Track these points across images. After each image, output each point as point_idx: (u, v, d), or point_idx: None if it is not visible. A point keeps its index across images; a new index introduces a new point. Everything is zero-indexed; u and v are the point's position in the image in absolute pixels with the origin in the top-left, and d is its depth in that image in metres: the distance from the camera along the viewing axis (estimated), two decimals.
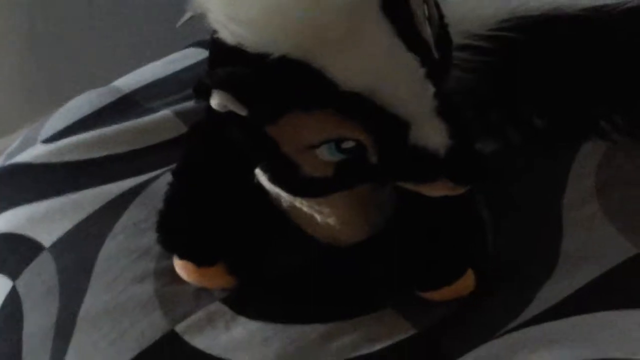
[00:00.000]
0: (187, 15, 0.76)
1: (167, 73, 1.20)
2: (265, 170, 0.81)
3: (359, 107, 0.71)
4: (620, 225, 0.95)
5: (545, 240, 0.95)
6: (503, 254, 0.93)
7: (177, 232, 0.91)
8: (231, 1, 0.71)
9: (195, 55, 1.22)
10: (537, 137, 1.04)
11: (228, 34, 0.71)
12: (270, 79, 0.70)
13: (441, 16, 0.82)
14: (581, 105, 1.05)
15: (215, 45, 0.74)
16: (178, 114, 1.11)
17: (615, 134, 1.03)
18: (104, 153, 1.07)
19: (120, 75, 1.25)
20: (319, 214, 0.87)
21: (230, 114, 0.71)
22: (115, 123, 1.11)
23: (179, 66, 1.21)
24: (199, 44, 1.24)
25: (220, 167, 0.87)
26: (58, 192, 1.04)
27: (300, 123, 0.72)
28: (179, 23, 0.78)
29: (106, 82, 1.41)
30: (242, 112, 0.70)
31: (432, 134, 0.74)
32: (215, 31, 0.73)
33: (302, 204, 0.87)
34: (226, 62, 0.72)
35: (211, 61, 0.77)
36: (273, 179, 0.81)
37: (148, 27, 1.90)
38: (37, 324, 0.93)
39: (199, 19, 0.73)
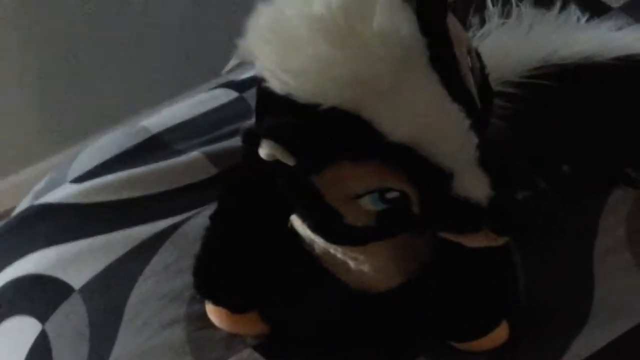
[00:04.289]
0: (234, 62, 0.77)
1: (195, 114, 1.20)
2: (305, 219, 0.81)
3: (404, 158, 0.71)
4: None
5: (577, 291, 0.94)
6: (534, 304, 0.93)
7: (212, 277, 0.91)
8: (282, 51, 0.71)
9: (224, 96, 1.22)
10: (566, 185, 1.04)
11: (277, 83, 0.71)
12: (318, 129, 0.70)
13: (483, 67, 0.82)
14: (609, 153, 1.05)
15: (262, 94, 0.74)
16: (208, 156, 1.11)
17: None
18: (133, 195, 1.07)
19: (140, 112, 1.25)
20: (353, 261, 0.86)
21: (275, 163, 0.71)
22: (145, 164, 1.11)
23: (207, 107, 1.21)
24: (228, 85, 1.24)
25: (256, 212, 0.86)
26: (88, 233, 1.04)
27: (346, 173, 0.72)
28: (225, 70, 0.78)
29: (122, 118, 1.42)
30: (290, 161, 0.70)
31: (475, 185, 0.74)
32: (263, 79, 0.73)
33: (336, 251, 0.86)
34: (274, 111, 0.72)
35: (259, 109, 0.77)
36: (314, 228, 0.81)
37: (169, 65, 1.91)
38: None
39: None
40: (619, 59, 1.03)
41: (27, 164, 1.90)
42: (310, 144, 0.70)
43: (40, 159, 1.89)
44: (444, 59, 0.73)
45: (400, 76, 0.70)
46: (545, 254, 0.97)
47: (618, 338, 0.89)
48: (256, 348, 0.91)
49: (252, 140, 0.70)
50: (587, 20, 1.10)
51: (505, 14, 1.08)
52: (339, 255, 0.86)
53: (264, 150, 0.70)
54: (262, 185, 0.81)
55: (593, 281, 0.95)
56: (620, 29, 1.10)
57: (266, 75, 0.72)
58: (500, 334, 0.89)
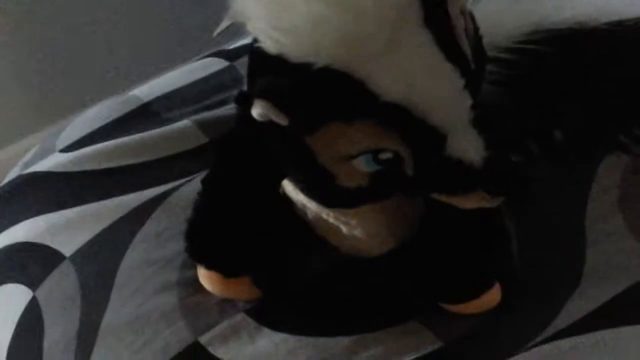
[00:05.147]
0: (226, 23, 0.76)
1: (186, 82, 1.20)
2: (298, 182, 0.81)
3: (398, 118, 0.71)
4: None
5: (569, 254, 0.94)
6: (527, 267, 0.93)
7: (205, 242, 0.90)
8: (275, 10, 0.70)
9: (214, 65, 1.22)
10: (558, 150, 1.04)
11: (270, 43, 0.71)
12: (312, 89, 0.69)
13: (476, 29, 0.82)
14: (601, 118, 1.05)
15: (255, 54, 0.74)
16: (198, 124, 1.10)
17: (636, 147, 1.04)
18: (124, 162, 1.07)
19: (130, 83, 1.24)
20: (345, 226, 0.86)
21: (268, 124, 0.71)
22: (135, 132, 1.11)
23: (198, 76, 1.20)
24: (218, 54, 1.24)
25: (248, 177, 0.86)
26: (78, 201, 1.03)
27: (339, 133, 0.72)
28: (217, 31, 0.78)
29: (113, 92, 1.41)
30: (283, 121, 0.70)
31: (469, 146, 0.74)
32: (255, 40, 0.72)
33: (328, 215, 0.86)
34: (267, 71, 0.71)
35: (251, 70, 0.76)
36: (307, 190, 0.81)
37: (161, 37, 1.90)
38: (58, 335, 0.93)
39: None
40: (611, 23, 1.03)
41: (14, 139, 1.89)
42: (304, 103, 0.70)
43: (28, 134, 1.88)
44: (438, 18, 0.73)
45: (393, 35, 0.70)
46: (538, 219, 0.97)
47: (610, 300, 0.89)
48: (248, 312, 0.91)
49: (245, 101, 0.70)
50: None
51: None
52: (331, 219, 0.86)
53: (257, 110, 0.69)
54: (255, 150, 0.80)
55: (585, 245, 0.95)
56: None
57: (258, 35, 0.72)
58: (492, 296, 0.89)
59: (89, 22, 1.83)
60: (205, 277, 0.92)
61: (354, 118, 0.71)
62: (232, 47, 1.27)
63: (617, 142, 1.04)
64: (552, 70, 1.03)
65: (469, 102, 0.74)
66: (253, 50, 0.74)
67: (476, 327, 0.89)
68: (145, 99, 1.17)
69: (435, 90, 0.71)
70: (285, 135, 0.73)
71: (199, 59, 1.26)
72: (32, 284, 0.97)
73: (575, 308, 0.89)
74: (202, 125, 1.10)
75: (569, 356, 0.85)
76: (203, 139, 1.09)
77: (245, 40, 1.18)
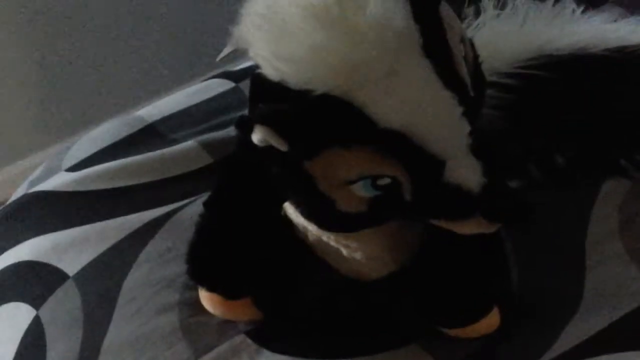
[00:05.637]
0: (228, 49, 0.77)
1: (190, 104, 1.20)
2: (298, 205, 0.82)
3: (397, 145, 0.72)
4: None
5: (568, 279, 0.95)
6: (527, 291, 0.93)
7: (206, 264, 0.91)
8: (276, 38, 0.71)
9: (219, 86, 1.23)
10: (559, 175, 1.05)
11: (271, 70, 0.72)
12: (311, 115, 0.70)
13: (476, 56, 0.83)
14: (602, 143, 1.06)
15: (256, 80, 0.75)
16: (203, 145, 1.11)
17: (636, 172, 1.04)
18: (128, 183, 1.08)
19: (137, 102, 1.25)
20: (345, 248, 0.87)
21: (268, 149, 0.72)
22: (140, 153, 1.11)
23: (203, 97, 1.21)
24: (223, 75, 1.24)
25: (250, 200, 0.87)
26: (82, 221, 1.04)
27: (338, 159, 0.72)
28: (219, 57, 0.79)
29: (120, 111, 1.43)
30: (283, 147, 0.70)
31: (467, 172, 0.75)
32: (257, 66, 0.73)
33: (329, 238, 0.87)
34: (268, 97, 0.72)
35: (252, 95, 0.77)
36: (306, 214, 0.81)
37: (167, 58, 1.91)
38: (60, 354, 0.93)
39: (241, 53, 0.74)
40: (612, 50, 1.03)
41: (23, 155, 1.90)
42: (303, 129, 0.71)
43: (36, 151, 1.89)
44: (437, 46, 0.73)
45: (393, 63, 0.71)
46: (538, 243, 0.98)
47: (609, 326, 0.90)
48: (249, 334, 0.91)
49: (245, 126, 0.71)
50: (582, 13, 1.10)
51: (500, 6, 1.09)
52: (332, 242, 0.87)
53: (257, 136, 0.70)
54: (256, 173, 0.81)
55: (585, 270, 0.95)
56: (614, 21, 1.10)
57: (260, 61, 0.73)
58: (491, 321, 0.90)
59: (98, 41, 1.84)
60: (206, 298, 0.92)
61: (353, 144, 0.72)
62: (237, 68, 1.28)
63: (617, 167, 1.05)
64: (552, 95, 1.03)
65: (467, 129, 0.75)
66: (254, 76, 0.75)
67: (475, 351, 0.89)
68: (150, 120, 1.18)
69: (434, 117, 0.72)
70: (284, 161, 0.74)
71: (204, 80, 1.27)
72: (36, 303, 0.98)
73: (575, 333, 0.90)
74: (207, 146, 1.11)
75: None
76: (208, 160, 1.10)
77: (251, 62, 1.19)
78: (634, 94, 1.05)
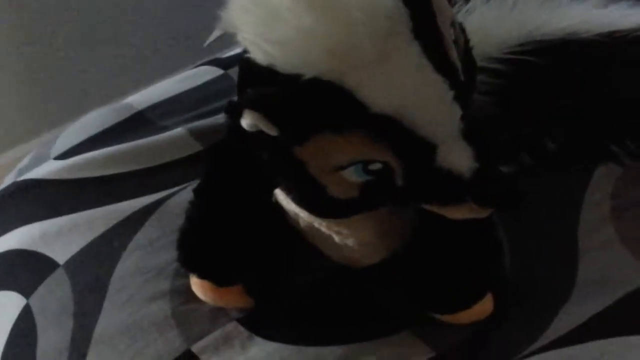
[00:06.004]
0: (216, 33, 0.76)
1: (180, 90, 1.20)
2: (289, 192, 0.81)
3: (388, 129, 0.71)
4: (636, 250, 0.95)
5: (561, 265, 0.95)
6: (519, 278, 0.93)
7: (197, 251, 0.91)
8: (265, 22, 0.71)
9: (208, 73, 1.23)
10: (551, 161, 1.05)
11: (260, 54, 0.71)
12: (301, 100, 0.70)
13: (467, 40, 0.82)
14: (592, 129, 1.06)
15: (244, 65, 0.74)
16: (192, 132, 1.11)
17: (627, 158, 1.04)
18: (117, 170, 1.07)
19: (124, 91, 1.25)
20: (337, 235, 0.87)
21: (258, 135, 0.71)
22: (129, 140, 1.11)
23: (192, 84, 1.21)
24: (212, 62, 1.24)
25: (240, 186, 0.87)
26: (71, 209, 1.04)
27: (329, 144, 0.72)
28: (208, 41, 0.78)
29: (108, 100, 1.42)
30: (273, 132, 0.70)
31: (458, 157, 0.74)
32: (245, 50, 0.73)
33: (320, 225, 0.86)
34: (257, 82, 0.72)
35: (241, 81, 0.77)
36: (298, 200, 0.81)
37: (156, 46, 1.91)
38: (51, 343, 0.93)
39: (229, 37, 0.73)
40: (602, 35, 1.03)
41: (11, 145, 1.89)
42: (293, 114, 0.70)
43: (25, 140, 1.89)
44: (427, 30, 0.73)
45: (383, 47, 0.70)
46: (531, 230, 0.98)
47: (602, 311, 0.90)
48: (241, 321, 0.91)
49: (234, 111, 0.70)
50: None
51: None
52: (324, 229, 0.86)
53: (247, 121, 0.70)
54: (245, 160, 0.81)
55: (577, 256, 0.95)
56: (603, 6, 1.10)
57: (248, 45, 0.72)
58: (484, 307, 0.89)
59: (87, 30, 1.83)
60: (197, 285, 0.92)
61: (344, 129, 0.71)
62: (226, 55, 1.27)
63: (608, 153, 1.05)
64: (542, 81, 1.03)
65: (458, 113, 0.74)
66: (243, 61, 0.74)
67: (468, 337, 0.89)
68: (139, 107, 1.17)
69: (425, 101, 0.72)
70: (275, 146, 0.73)
71: (193, 68, 1.26)
72: (26, 292, 0.98)
73: (567, 319, 0.90)
74: (196, 133, 1.11)
75: None
76: (197, 147, 1.09)
77: (240, 49, 1.18)
78: (623, 79, 1.05)
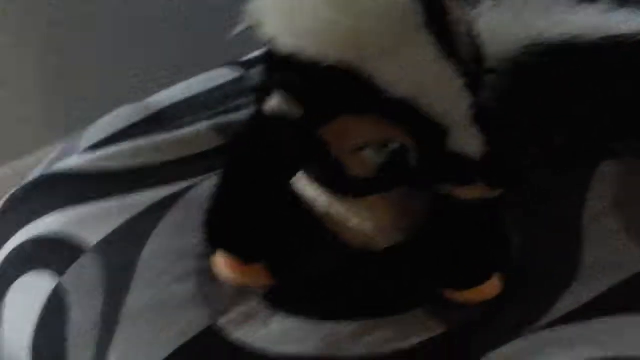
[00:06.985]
0: (242, 26, 0.82)
1: (200, 90, 1.25)
2: (312, 171, 0.86)
3: (402, 113, 0.77)
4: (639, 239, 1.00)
5: (567, 248, 0.99)
6: (526, 263, 0.98)
7: (223, 227, 0.96)
8: (287, 13, 0.77)
9: (229, 74, 1.27)
10: (557, 155, 1.09)
11: (283, 44, 0.77)
12: (325, 83, 0.76)
13: (477, 34, 0.88)
14: (594, 131, 1.11)
15: (270, 56, 0.80)
16: (214, 128, 1.16)
17: (629, 156, 1.09)
18: (146, 161, 1.12)
19: (145, 95, 1.29)
20: (356, 218, 0.92)
21: (282, 119, 0.77)
22: (154, 134, 1.16)
23: (213, 84, 1.26)
24: (233, 64, 1.29)
25: (262, 171, 0.91)
26: (103, 196, 1.09)
27: (350, 126, 0.78)
28: (233, 33, 0.84)
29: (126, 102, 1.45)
30: (299, 112, 0.76)
31: (469, 141, 0.80)
32: (269, 42, 0.79)
33: (338, 209, 0.92)
34: (282, 67, 0.78)
35: (267, 70, 0.83)
36: (320, 179, 0.86)
37: (174, 46, 1.92)
38: (82, 317, 0.98)
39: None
40: (605, 39, 1.08)
41: (30, 150, 1.92)
42: (318, 96, 0.76)
43: (44, 146, 1.92)
44: (439, 21, 0.79)
45: (398, 37, 0.76)
46: (537, 218, 1.02)
47: (606, 292, 0.94)
48: (263, 298, 0.96)
49: (265, 89, 0.76)
50: (577, 3, 1.15)
51: None
52: (343, 211, 0.91)
53: (275, 102, 0.76)
54: (267, 145, 0.86)
55: (582, 243, 1.00)
56: (606, 12, 1.15)
57: (272, 37, 0.78)
58: (492, 286, 0.94)
59: (105, 34, 1.86)
60: (221, 262, 0.97)
61: (363, 112, 0.77)
62: (246, 58, 1.32)
63: (611, 152, 1.09)
64: (546, 83, 1.08)
65: (468, 100, 0.80)
66: (267, 52, 0.80)
67: (477, 315, 0.94)
68: (161, 106, 1.22)
69: (437, 87, 0.78)
70: (299, 129, 0.79)
71: (213, 70, 1.31)
72: (58, 271, 1.03)
73: (571, 299, 0.94)
74: (218, 129, 1.16)
75: (566, 342, 0.90)
76: (220, 141, 1.14)
77: (258, 52, 1.24)
78: (625, 82, 1.10)
